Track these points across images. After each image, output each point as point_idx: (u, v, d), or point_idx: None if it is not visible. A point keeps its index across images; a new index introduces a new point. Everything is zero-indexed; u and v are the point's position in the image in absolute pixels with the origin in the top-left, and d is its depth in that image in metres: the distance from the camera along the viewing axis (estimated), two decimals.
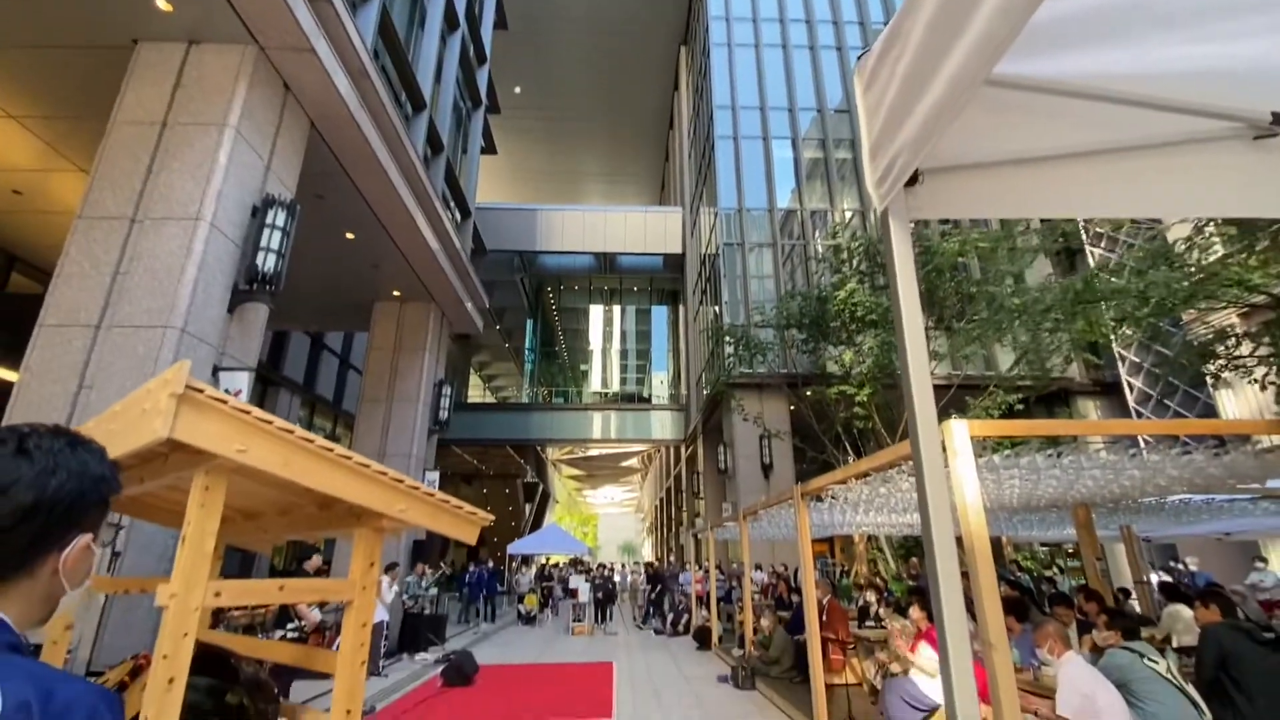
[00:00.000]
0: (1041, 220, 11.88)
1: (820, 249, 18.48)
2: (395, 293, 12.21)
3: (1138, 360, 15.56)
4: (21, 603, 0.71)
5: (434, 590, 11.87)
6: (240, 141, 6.03)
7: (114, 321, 5.32)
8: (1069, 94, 1.17)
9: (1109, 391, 17.27)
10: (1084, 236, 15.06)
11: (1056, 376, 13.06)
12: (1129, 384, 15.95)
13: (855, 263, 13.62)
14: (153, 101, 5.98)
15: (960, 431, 3.20)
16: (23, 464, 0.72)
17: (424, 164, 10.39)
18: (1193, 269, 7.53)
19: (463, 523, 2.56)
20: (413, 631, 10.35)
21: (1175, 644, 6.14)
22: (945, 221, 18.20)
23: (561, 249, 26.77)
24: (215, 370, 5.71)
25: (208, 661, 2.16)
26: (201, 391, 1.78)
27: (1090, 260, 15.71)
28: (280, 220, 6.25)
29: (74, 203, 6.07)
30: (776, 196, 19.77)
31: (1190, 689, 3.75)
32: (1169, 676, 3.73)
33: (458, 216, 14.81)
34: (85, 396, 5.08)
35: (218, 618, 4.90)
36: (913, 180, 1.19)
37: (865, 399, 12.21)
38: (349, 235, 10.03)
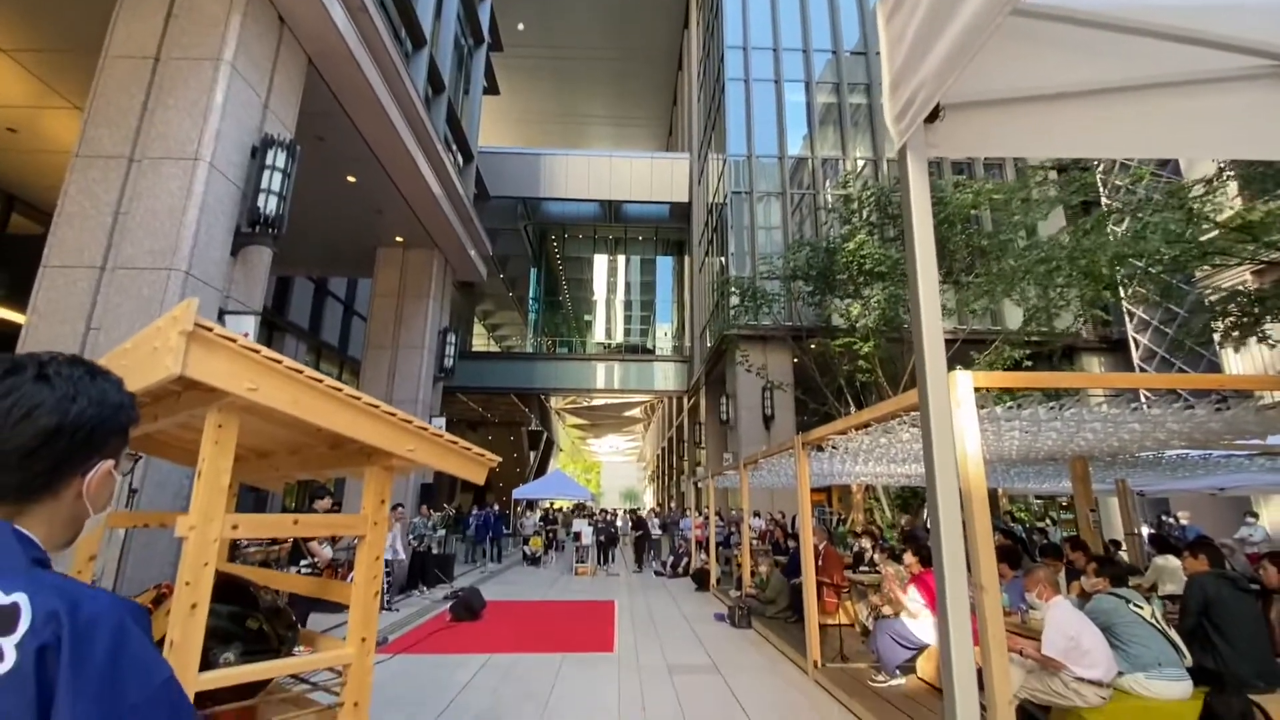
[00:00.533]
0: (1059, 171, 11.53)
1: (830, 199, 18.09)
2: (398, 238, 12.08)
3: (1146, 318, 15.44)
4: (48, 523, 0.74)
5: (440, 531, 12.25)
6: (236, 78, 5.85)
7: (118, 263, 5.29)
8: (1101, 25, 1.11)
9: (1115, 349, 17.21)
10: (1101, 191, 14.67)
11: (1063, 333, 12.99)
12: (1135, 341, 15.87)
13: (865, 213, 13.34)
14: (144, 35, 5.77)
15: (964, 382, 3.21)
16: (44, 389, 0.73)
17: (425, 104, 10.09)
18: (1209, 224, 7.36)
19: (470, 463, 2.62)
20: (421, 570, 10.75)
21: (1161, 592, 6.34)
22: (959, 172, 17.75)
23: (566, 196, 26.28)
24: (221, 314, 5.71)
25: (229, 590, 2.25)
26: (210, 330, 1.79)
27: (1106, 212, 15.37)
28: (280, 161, 6.13)
29: (70, 141, 5.94)
30: (788, 143, 19.21)
31: (1172, 633, 3.89)
32: (1152, 621, 3.86)
33: (460, 160, 14.49)
34: (94, 338, 5.12)
35: (234, 555, 5.07)
36: (933, 116, 1.15)
37: (870, 351, 12.20)
38: (350, 179, 9.85)
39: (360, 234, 11.84)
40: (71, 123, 8.47)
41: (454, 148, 13.88)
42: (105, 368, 0.83)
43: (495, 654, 6.36)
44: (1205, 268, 8.87)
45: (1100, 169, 14.26)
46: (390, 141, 8.97)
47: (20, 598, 0.62)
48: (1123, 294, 10.53)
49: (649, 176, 26.13)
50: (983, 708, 3.27)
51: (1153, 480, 9.38)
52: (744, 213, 18.45)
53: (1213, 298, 8.50)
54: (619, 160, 26.52)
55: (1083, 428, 4.42)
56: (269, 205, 6.03)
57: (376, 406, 2.21)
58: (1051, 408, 3.83)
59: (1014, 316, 13.20)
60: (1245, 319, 7.46)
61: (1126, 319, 16.04)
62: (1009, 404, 3.90)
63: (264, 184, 6.04)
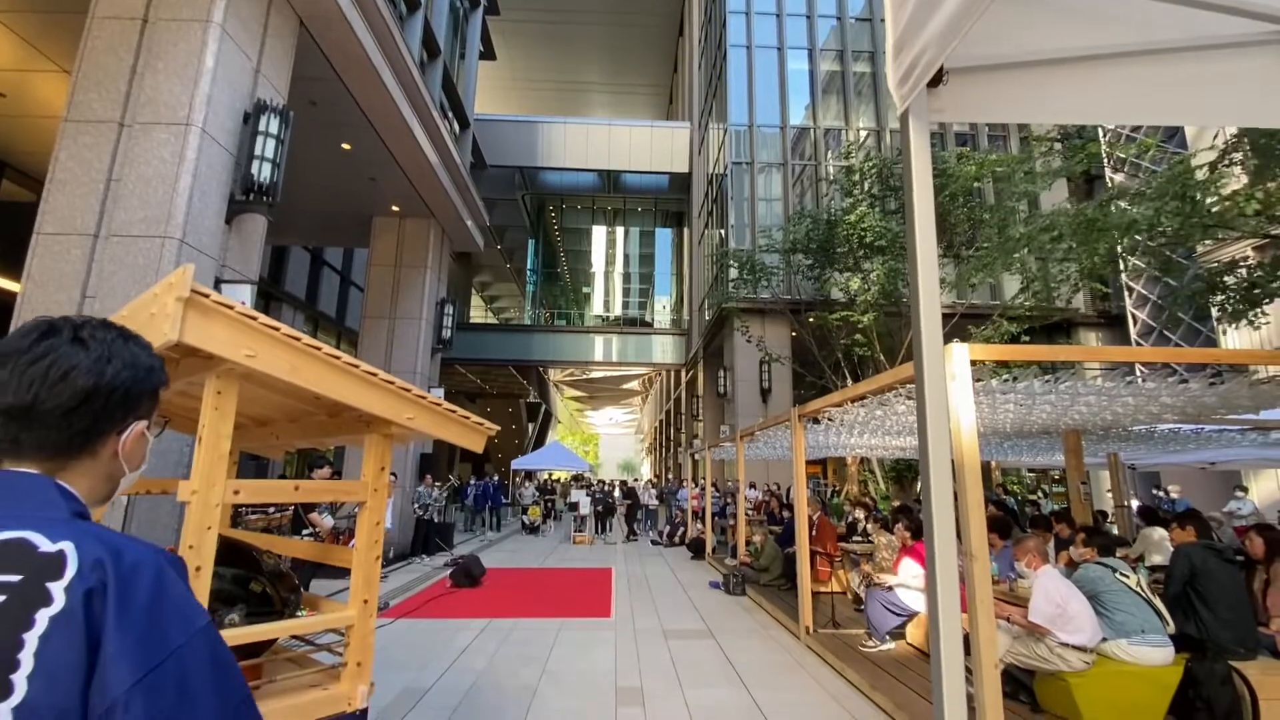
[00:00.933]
0: (1063, 141, 11.37)
1: (832, 170, 17.86)
2: (394, 208, 11.94)
3: (1145, 293, 15.42)
4: (87, 480, 0.78)
5: (442, 501, 12.42)
6: (226, 40, 5.71)
7: (111, 231, 5.24)
8: None
9: (1112, 324, 17.25)
10: (1106, 162, 14.51)
11: (1062, 307, 12.96)
12: (1133, 316, 15.89)
13: (867, 185, 13.20)
14: None
15: (960, 355, 3.22)
16: (80, 352, 0.76)
17: (419, 69, 9.87)
18: (1213, 198, 7.30)
19: (469, 431, 2.64)
20: (425, 538, 10.92)
21: (1148, 563, 6.47)
22: (963, 144, 17.50)
23: (564, 165, 25.89)
24: (217, 282, 5.68)
25: (233, 554, 2.29)
26: (207, 296, 1.79)
27: (1110, 187, 15.24)
28: (273, 127, 6.02)
29: (60, 106, 5.81)
30: (790, 113, 18.88)
31: (1157, 601, 3.99)
32: (1138, 590, 3.95)
33: (456, 127, 14.23)
34: (89, 306, 5.09)
35: (235, 525, 5.14)
36: (936, 81, 1.13)
37: (868, 324, 12.20)
38: (345, 146, 9.69)
39: (356, 203, 11.70)
40: (60, 87, 8.28)
41: (450, 115, 13.62)
42: (136, 332, 0.85)
43: (495, 619, 6.50)
44: (1207, 243, 8.83)
45: (1106, 140, 14.08)
46: (385, 107, 8.80)
47: (66, 546, 0.65)
48: (1122, 267, 10.49)
49: (649, 146, 25.73)
50: (969, 671, 3.38)
51: (1145, 454, 9.49)
52: (744, 184, 18.23)
53: (1213, 267, 8.48)
54: (618, 129, 26.07)
55: (1077, 401, 4.45)
56: (263, 172, 5.94)
57: (375, 374, 2.22)
58: (1047, 380, 3.85)
59: (1013, 291, 13.17)
60: (1253, 290, 7.44)
61: (1125, 294, 16.03)
62: (1005, 377, 3.92)
63: (257, 150, 5.95)
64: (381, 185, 10.99)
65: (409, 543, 10.89)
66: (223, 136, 5.72)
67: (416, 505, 11.09)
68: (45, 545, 0.65)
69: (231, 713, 0.68)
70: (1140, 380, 4.22)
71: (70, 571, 0.64)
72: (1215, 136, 7.70)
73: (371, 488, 2.39)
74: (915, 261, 1.17)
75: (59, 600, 0.62)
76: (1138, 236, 7.81)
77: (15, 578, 0.62)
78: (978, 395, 4.05)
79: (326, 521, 6.49)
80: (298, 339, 1.99)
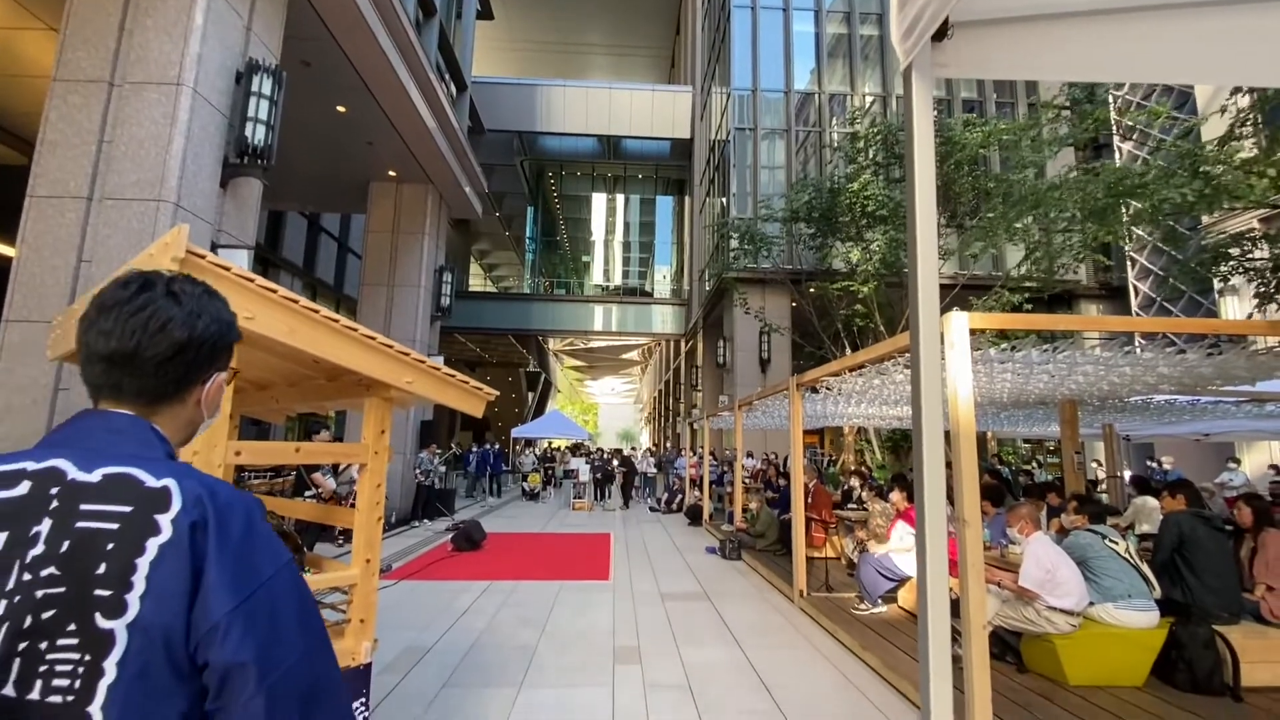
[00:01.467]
0: (1071, 107, 11.14)
1: (836, 137, 17.55)
2: (391, 173, 11.77)
3: (1149, 264, 15.33)
4: (173, 424, 0.84)
5: (443, 468, 12.57)
6: None
7: (105, 194, 5.19)
8: None
9: (1114, 296, 17.19)
10: (1115, 130, 14.24)
11: (1063, 279, 12.87)
12: (1135, 288, 15.82)
13: (872, 153, 12.98)
14: None
15: (959, 323, 3.22)
16: (174, 306, 0.81)
17: (415, 28, 9.61)
18: (1223, 167, 7.18)
19: (468, 396, 2.65)
20: (426, 503, 11.08)
21: (1138, 532, 6.58)
22: (969, 110, 17.16)
23: (564, 130, 25.43)
24: (213, 247, 5.63)
25: None
26: (204, 257, 1.78)
27: (1117, 156, 14.99)
28: (266, 88, 5.90)
29: (49, 66, 5.68)
30: (794, 77, 18.45)
31: (1144, 567, 4.07)
32: (1126, 556, 4.03)
33: (453, 90, 13.94)
34: (86, 271, 5.06)
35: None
36: (941, 34, 1.10)
37: (869, 293, 12.15)
38: (340, 109, 9.49)
39: (352, 167, 11.53)
40: (50, 45, 8.07)
41: (446, 77, 13.31)
42: (215, 289, 0.90)
43: (495, 581, 6.64)
44: (1215, 214, 8.73)
45: (1115, 108, 13.80)
46: (379, 68, 8.60)
47: (170, 482, 0.72)
48: (1125, 234, 10.38)
49: (650, 110, 25.21)
50: (958, 633, 3.47)
51: (1140, 425, 9.56)
52: (747, 151, 17.93)
53: (1220, 238, 8.40)
54: (619, 92, 25.49)
55: (1074, 370, 4.47)
56: (257, 135, 5.85)
57: (374, 338, 2.22)
58: (1045, 350, 3.86)
59: (1015, 260, 13.08)
60: (1247, 262, 7.39)
61: (1128, 265, 15.93)
62: (1004, 347, 3.92)
63: (250, 111, 5.84)
64: (378, 149, 10.81)
65: (410, 508, 11.05)
66: (215, 97, 5.60)
67: (418, 471, 11.22)
68: (150, 481, 0.72)
69: (315, 638, 0.76)
70: (1138, 351, 4.22)
71: (176, 506, 0.70)
72: (1223, 111, 7.53)
73: (372, 450, 2.41)
74: (914, 220, 1.16)
75: (166, 531, 0.69)
76: (1140, 203, 7.71)
77: (126, 508, 0.69)
78: (976, 364, 4.06)
79: (329, 482, 6.59)
80: (295, 301, 1.98)
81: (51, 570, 0.65)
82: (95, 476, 0.70)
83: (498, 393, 2.95)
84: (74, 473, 0.70)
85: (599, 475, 15.90)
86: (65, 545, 0.66)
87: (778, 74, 18.42)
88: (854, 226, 12.83)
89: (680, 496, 14.38)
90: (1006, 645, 4.13)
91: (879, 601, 5.33)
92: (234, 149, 5.82)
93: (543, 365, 36.32)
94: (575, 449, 23.02)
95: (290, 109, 6.44)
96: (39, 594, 0.64)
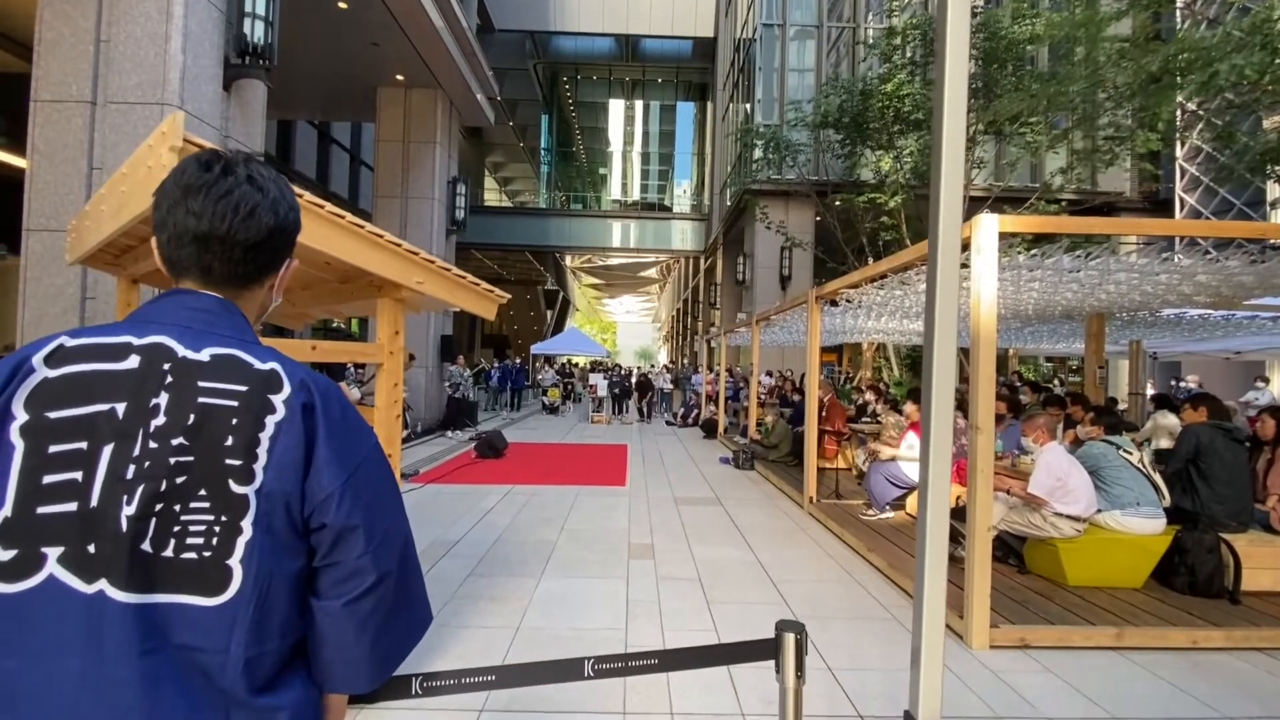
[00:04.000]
0: None
1: (872, 34, 16.24)
2: (399, 77, 11.26)
3: (1198, 173, 14.40)
4: (251, 307, 0.88)
5: (470, 381, 12.88)
6: None
7: (108, 98, 5.09)
8: None
9: (1158, 209, 16.29)
10: (1177, 7, 12.87)
11: (1105, 191, 12.15)
12: (1181, 200, 14.97)
13: (909, 50, 12.01)
14: None
15: (989, 226, 3.09)
16: (257, 192, 0.81)
17: None
18: None
19: (480, 298, 2.65)
20: (454, 414, 11.43)
21: (1154, 446, 6.56)
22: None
23: (579, 30, 23.91)
24: None
25: None
26: (201, 148, 1.73)
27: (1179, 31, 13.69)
28: None
29: None
30: None
31: (1156, 476, 4.08)
32: (1139, 466, 4.04)
33: None
34: (97, 178, 5.05)
35: None
36: None
37: (897, 205, 11.66)
38: (341, 4, 8.97)
39: (359, 71, 11.04)
40: None
41: None
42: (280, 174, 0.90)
43: (517, 485, 6.94)
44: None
45: None
46: None
47: (275, 365, 0.77)
48: (1176, 120, 9.56)
49: (670, 5, 23.45)
50: (963, 536, 3.57)
51: (1169, 342, 9.32)
52: (774, 51, 16.74)
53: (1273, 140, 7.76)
54: None
55: (1106, 279, 4.30)
56: (256, 31, 5.61)
57: (381, 235, 2.20)
58: (1078, 256, 3.69)
59: (1054, 169, 12.31)
60: None
61: (1177, 175, 14.99)
62: (1034, 253, 3.76)
63: (248, 7, 5.57)
64: (384, 51, 10.29)
65: (437, 419, 11.41)
66: None
67: (448, 384, 11.52)
68: (257, 364, 0.77)
69: (400, 501, 0.87)
70: (1176, 259, 4.03)
71: (287, 388, 0.76)
72: None
73: (387, 350, 2.45)
74: (942, 93, 1.07)
75: (280, 410, 0.75)
76: (1219, 91, 7.00)
77: (243, 387, 0.74)
78: (1003, 271, 3.92)
79: (354, 394, 6.79)
80: (301, 195, 1.95)
81: (181, 440, 0.70)
82: (204, 355, 0.74)
83: (509, 296, 2.94)
84: (182, 350, 0.74)
85: (617, 390, 16.18)
86: (191, 418, 0.71)
87: None
88: (885, 133, 12.11)
89: (696, 411, 14.64)
90: (1009, 549, 4.24)
91: (886, 508, 5.48)
92: (234, 48, 5.61)
93: (560, 283, 36.17)
94: (594, 366, 23.33)
95: (289, 6, 6.09)
96: (171, 460, 0.69)
